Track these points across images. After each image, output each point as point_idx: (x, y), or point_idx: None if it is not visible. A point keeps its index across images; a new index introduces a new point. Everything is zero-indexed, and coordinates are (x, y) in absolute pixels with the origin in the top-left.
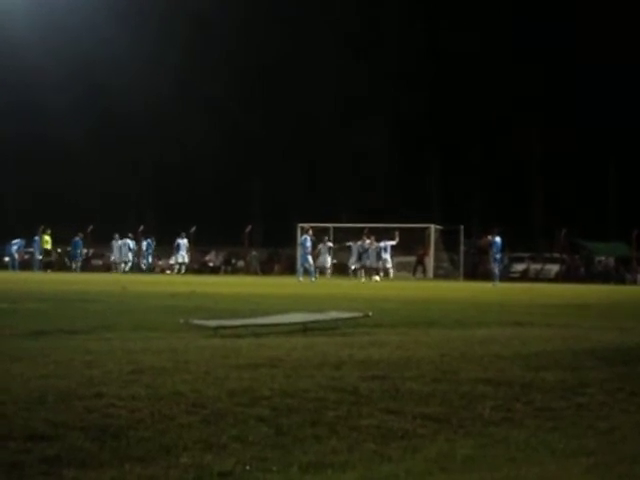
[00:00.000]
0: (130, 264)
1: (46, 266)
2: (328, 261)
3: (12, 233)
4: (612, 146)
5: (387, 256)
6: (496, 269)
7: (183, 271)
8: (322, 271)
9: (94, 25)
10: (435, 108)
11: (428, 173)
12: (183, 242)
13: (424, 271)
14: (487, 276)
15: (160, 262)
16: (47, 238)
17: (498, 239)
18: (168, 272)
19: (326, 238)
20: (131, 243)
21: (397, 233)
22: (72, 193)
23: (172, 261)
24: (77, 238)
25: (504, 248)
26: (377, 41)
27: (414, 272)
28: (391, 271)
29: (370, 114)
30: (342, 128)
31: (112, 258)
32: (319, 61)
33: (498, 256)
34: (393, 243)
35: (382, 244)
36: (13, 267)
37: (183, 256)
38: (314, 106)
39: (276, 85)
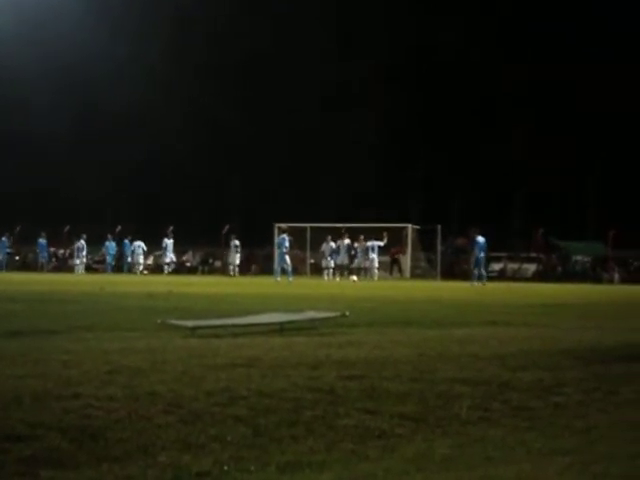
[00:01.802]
0: (111, 265)
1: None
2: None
3: None
4: (590, 146)
5: (374, 256)
6: (482, 269)
7: (170, 271)
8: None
9: (74, 22)
10: (416, 107)
11: (407, 172)
12: (170, 242)
13: (400, 270)
14: (465, 276)
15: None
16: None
17: (481, 239)
18: (145, 272)
19: (362, 238)
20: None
21: (385, 234)
22: (50, 192)
23: (168, 260)
24: (41, 239)
25: (487, 248)
26: (361, 37)
27: (390, 271)
28: (376, 272)
29: (350, 111)
30: (322, 126)
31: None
32: (300, 57)
33: (482, 255)
34: (381, 244)
35: (370, 244)
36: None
37: (171, 257)
38: (294, 104)
39: (256, 82)
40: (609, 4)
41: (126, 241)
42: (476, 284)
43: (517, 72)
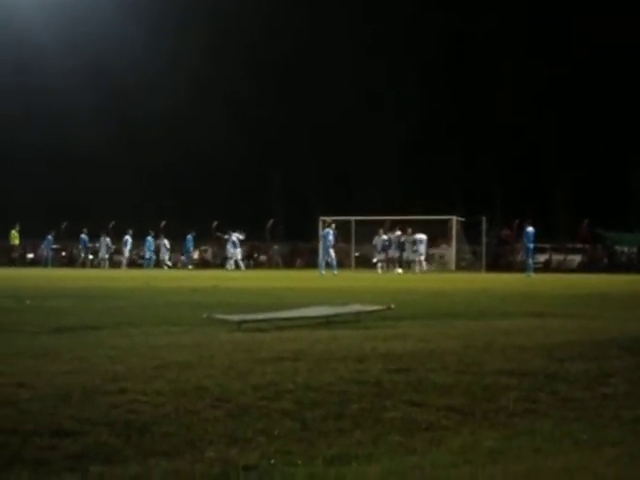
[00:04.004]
0: (150, 261)
1: (10, 262)
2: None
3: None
4: (634, 136)
5: (422, 249)
6: (530, 260)
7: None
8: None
9: (111, 27)
10: (456, 100)
11: (450, 164)
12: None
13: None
14: (510, 267)
15: (182, 257)
16: (15, 234)
17: (531, 229)
18: (190, 267)
19: (409, 231)
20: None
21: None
22: (91, 191)
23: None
24: (49, 235)
25: (536, 238)
26: (396, 35)
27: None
28: (424, 264)
29: (390, 106)
30: (362, 121)
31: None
32: (337, 54)
33: (531, 246)
34: (425, 237)
35: (418, 237)
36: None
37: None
38: (333, 99)
39: (295, 79)
40: None
41: (149, 238)
42: (533, 275)
43: (555, 62)
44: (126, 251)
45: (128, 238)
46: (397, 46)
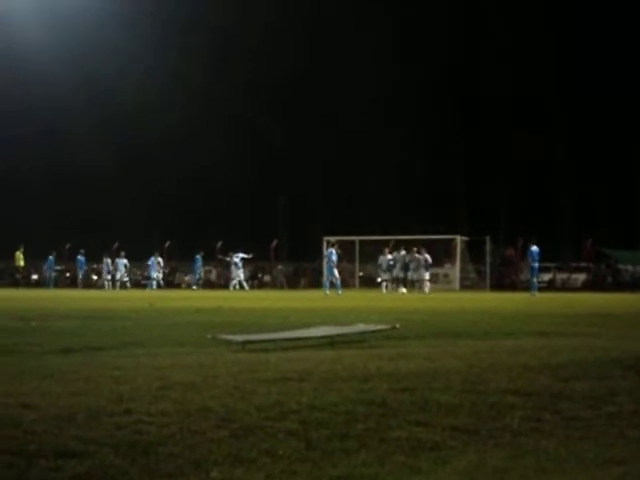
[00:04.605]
0: (156, 282)
1: (14, 283)
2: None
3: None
4: (639, 155)
5: (427, 269)
6: (534, 279)
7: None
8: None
9: (114, 47)
10: (458, 119)
11: (453, 183)
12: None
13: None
14: (515, 287)
15: (186, 277)
16: (20, 255)
17: (535, 248)
18: (194, 287)
19: (414, 250)
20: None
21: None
22: (98, 213)
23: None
24: (79, 256)
25: (541, 257)
26: (401, 53)
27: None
28: (428, 285)
29: (393, 126)
30: (366, 141)
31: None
32: (342, 74)
33: (536, 265)
34: (429, 257)
35: (421, 256)
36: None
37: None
38: (338, 119)
39: (299, 99)
40: None
41: (152, 258)
42: (537, 294)
43: (561, 77)
44: (118, 274)
45: (118, 261)
46: (401, 64)
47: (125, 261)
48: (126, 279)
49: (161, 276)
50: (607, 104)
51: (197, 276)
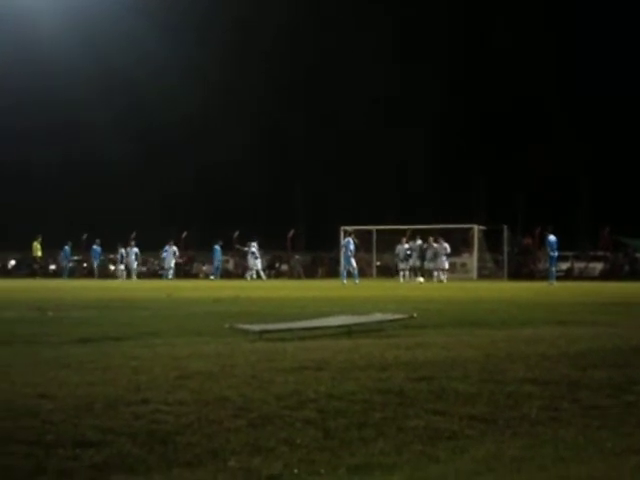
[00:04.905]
0: (171, 271)
1: (32, 273)
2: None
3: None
4: None
5: (444, 258)
6: (552, 268)
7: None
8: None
9: (131, 40)
10: (477, 109)
11: (471, 173)
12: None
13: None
14: (532, 276)
15: (204, 267)
16: (37, 246)
17: (553, 237)
18: (212, 277)
19: (431, 239)
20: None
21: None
22: (116, 203)
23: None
24: (95, 246)
25: (558, 246)
26: (417, 46)
27: None
28: (445, 274)
29: (411, 115)
30: (383, 131)
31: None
32: (359, 65)
33: (554, 254)
34: (447, 246)
35: (438, 245)
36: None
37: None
38: (355, 109)
39: (316, 88)
40: None
41: (167, 248)
42: (555, 283)
43: (577, 70)
44: (130, 262)
45: (125, 250)
46: (417, 56)
47: (136, 250)
48: (134, 267)
49: (173, 265)
50: (624, 92)
51: (216, 266)
